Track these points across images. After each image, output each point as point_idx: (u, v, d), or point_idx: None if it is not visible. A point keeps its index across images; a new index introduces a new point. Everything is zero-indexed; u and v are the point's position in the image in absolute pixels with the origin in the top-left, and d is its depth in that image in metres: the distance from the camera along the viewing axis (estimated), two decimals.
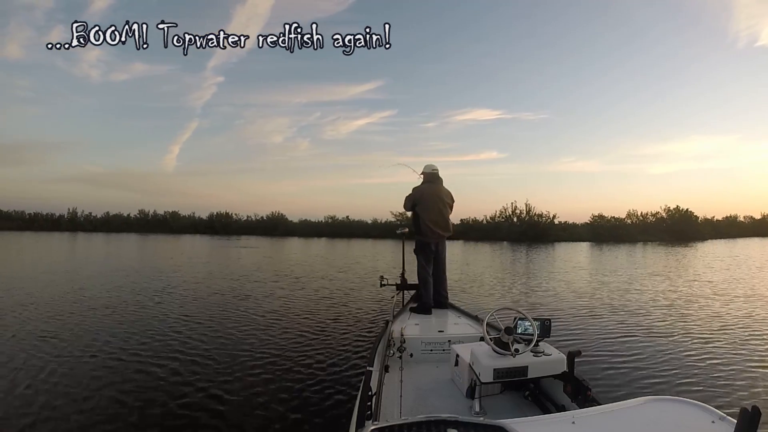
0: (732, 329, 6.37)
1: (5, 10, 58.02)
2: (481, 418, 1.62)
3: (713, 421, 1.45)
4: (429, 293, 4.67)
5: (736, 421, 1.25)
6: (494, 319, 2.73)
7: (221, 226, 48.72)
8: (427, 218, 4.70)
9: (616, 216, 46.38)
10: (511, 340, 2.49)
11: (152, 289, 9.62)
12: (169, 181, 73.38)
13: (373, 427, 1.45)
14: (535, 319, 2.67)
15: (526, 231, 40.81)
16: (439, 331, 3.79)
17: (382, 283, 4.87)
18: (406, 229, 5.26)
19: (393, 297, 4.97)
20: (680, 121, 75.17)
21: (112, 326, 6.26)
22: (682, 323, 6.77)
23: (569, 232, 43.37)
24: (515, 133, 73.62)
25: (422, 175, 4.94)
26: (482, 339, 2.75)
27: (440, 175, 4.93)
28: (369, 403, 2.17)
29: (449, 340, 3.52)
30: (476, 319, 4.17)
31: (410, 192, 4.86)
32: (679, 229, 43.62)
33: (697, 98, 73.48)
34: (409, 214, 5.03)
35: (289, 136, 75.16)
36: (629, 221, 46.49)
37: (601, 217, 45.95)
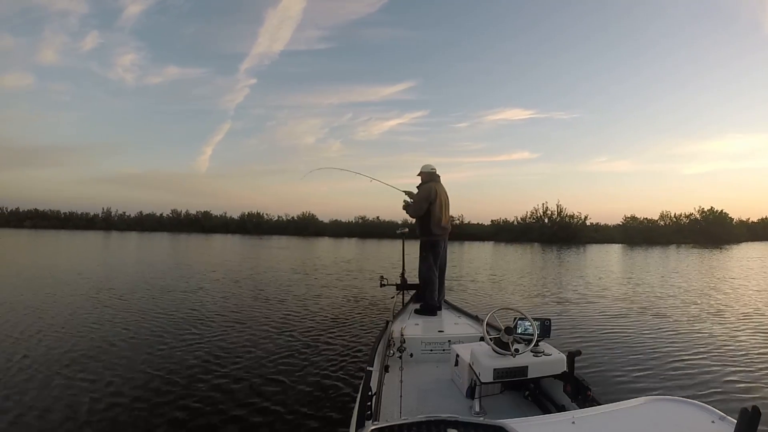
0: (733, 329, 6.24)
1: (40, 16, 61.01)
2: (481, 418, 1.62)
3: (713, 421, 1.44)
4: (434, 294, 4.57)
5: (736, 421, 1.23)
6: (494, 319, 2.70)
7: (253, 225, 49.75)
8: (440, 216, 4.58)
9: (649, 217, 44.97)
10: (511, 340, 2.46)
11: (159, 285, 10.13)
12: (201, 182, 76.12)
13: (373, 427, 1.45)
14: (535, 319, 2.63)
15: (557, 232, 39.89)
16: (439, 331, 3.76)
17: (382, 283, 4.82)
18: (406, 229, 5.25)
19: (393, 297, 4.96)
20: (715, 119, 72.01)
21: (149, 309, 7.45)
22: (684, 323, 6.63)
23: (601, 234, 42.13)
24: (548, 133, 72.33)
25: (420, 176, 4.79)
26: (482, 339, 2.73)
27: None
28: (369, 403, 2.16)
29: (449, 340, 3.50)
30: (476, 319, 4.13)
31: (415, 195, 4.71)
32: (713, 231, 41.70)
33: (733, 96, 70.32)
34: (412, 220, 4.81)
35: (320, 137, 76.51)
36: (662, 223, 44.81)
37: (633, 218, 44.60)
